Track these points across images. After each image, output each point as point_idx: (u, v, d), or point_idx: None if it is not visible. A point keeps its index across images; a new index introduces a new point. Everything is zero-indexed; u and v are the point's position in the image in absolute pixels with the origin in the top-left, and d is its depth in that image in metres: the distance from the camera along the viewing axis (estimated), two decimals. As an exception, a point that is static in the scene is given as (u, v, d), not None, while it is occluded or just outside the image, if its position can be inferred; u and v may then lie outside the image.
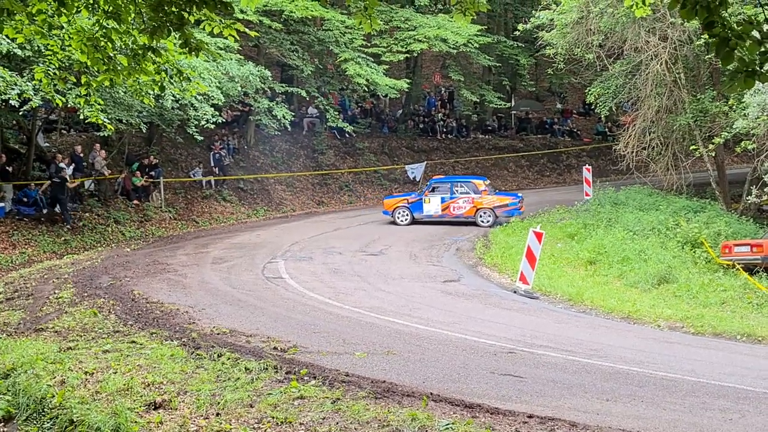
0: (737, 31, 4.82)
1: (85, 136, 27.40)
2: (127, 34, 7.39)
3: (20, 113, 21.68)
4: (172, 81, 8.26)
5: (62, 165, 23.54)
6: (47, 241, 21.58)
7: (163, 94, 20.02)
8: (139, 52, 7.43)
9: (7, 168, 23.24)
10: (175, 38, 7.19)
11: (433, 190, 26.50)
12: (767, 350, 13.49)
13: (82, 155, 25.09)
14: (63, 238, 21.96)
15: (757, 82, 16.44)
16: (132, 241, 23.09)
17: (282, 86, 29.13)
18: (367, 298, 16.26)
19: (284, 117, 27.31)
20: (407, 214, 26.45)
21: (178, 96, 21.43)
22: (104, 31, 7.36)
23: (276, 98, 28.92)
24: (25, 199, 22.49)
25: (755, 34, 4.84)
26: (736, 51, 4.85)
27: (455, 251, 22.36)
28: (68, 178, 22.86)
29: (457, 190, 26.28)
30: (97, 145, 25.59)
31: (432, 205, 26.26)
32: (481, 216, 25.93)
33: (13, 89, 15.62)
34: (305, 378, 9.98)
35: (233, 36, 7.73)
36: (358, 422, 8.45)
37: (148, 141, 28.40)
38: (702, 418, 8.81)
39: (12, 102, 16.76)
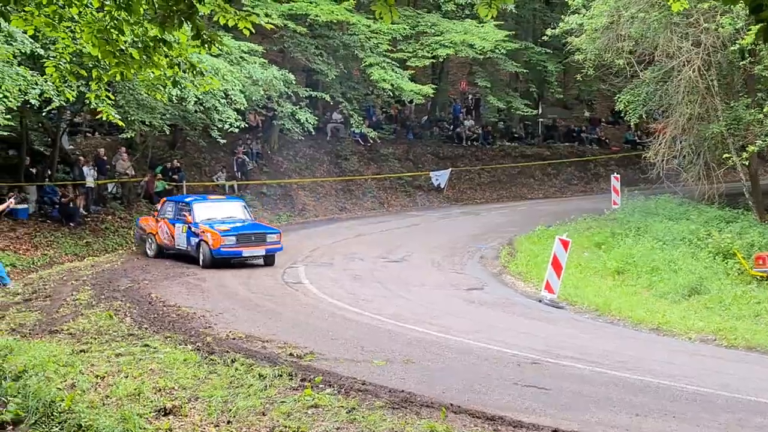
0: (787, 16, 4.45)
1: (109, 139, 27.34)
2: (138, 25, 7.12)
3: (44, 115, 21.61)
4: (185, 76, 7.96)
5: (86, 168, 23.52)
6: (69, 243, 21.46)
7: (184, 95, 19.87)
8: (151, 44, 7.16)
9: (31, 170, 23.19)
10: (187, 30, 6.91)
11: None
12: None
13: (105, 158, 25.00)
14: (85, 241, 21.84)
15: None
16: (153, 245, 22.89)
17: (306, 91, 28.90)
18: (387, 305, 15.93)
19: (308, 121, 27.06)
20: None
21: (200, 98, 21.31)
22: (115, 22, 7.09)
23: (300, 103, 28.69)
24: (48, 202, 22.46)
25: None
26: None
27: (479, 259, 21.98)
28: (77, 203, 22.92)
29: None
30: (121, 147, 25.48)
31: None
32: None
33: (33, 88, 15.48)
34: (320, 386, 9.65)
35: (248, 29, 7.42)
36: (374, 433, 8.10)
37: (172, 145, 28.29)
38: (737, 435, 8.39)
39: (33, 101, 16.62)
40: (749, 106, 24.16)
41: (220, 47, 7.62)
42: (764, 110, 22.55)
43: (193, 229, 20.04)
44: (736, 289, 17.48)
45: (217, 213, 20.76)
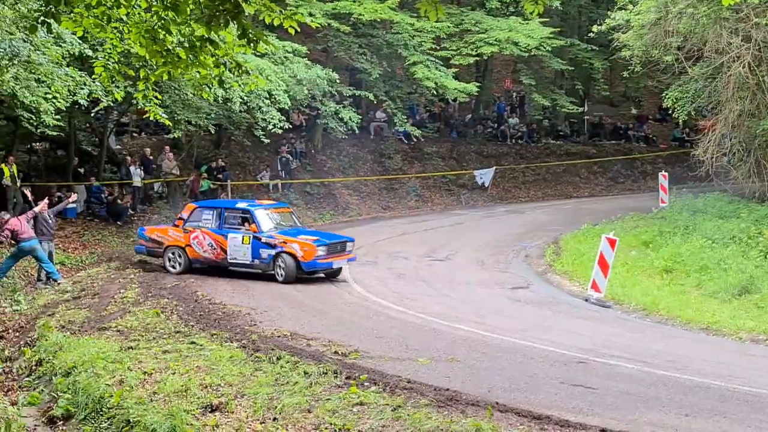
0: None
1: (155, 139, 27.66)
2: (185, 25, 7.17)
3: (92, 115, 21.94)
4: (231, 75, 8.01)
5: (132, 168, 23.83)
6: (116, 242, 21.74)
7: (229, 96, 20.02)
8: (197, 44, 7.21)
9: (79, 169, 23.55)
10: (233, 29, 6.95)
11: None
12: None
13: (151, 158, 25.29)
14: (132, 239, 22.06)
15: None
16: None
17: (349, 90, 28.95)
18: (431, 303, 15.89)
19: (351, 120, 27.11)
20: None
21: (245, 98, 21.46)
22: (162, 22, 7.15)
23: (343, 102, 28.76)
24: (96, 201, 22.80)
25: None
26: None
27: (524, 258, 21.82)
28: (124, 202, 23.18)
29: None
30: (167, 147, 25.76)
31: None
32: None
33: (82, 89, 15.71)
34: (365, 384, 9.65)
35: (294, 27, 7.43)
36: (419, 431, 8.07)
37: (217, 144, 28.53)
38: (790, 437, 8.21)
39: (81, 102, 16.87)
40: (802, 101, 23.66)
41: (265, 47, 7.66)
42: (817, 106, 22.10)
43: (264, 239, 17.59)
44: (789, 290, 17.11)
45: (279, 220, 18.62)
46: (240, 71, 7.86)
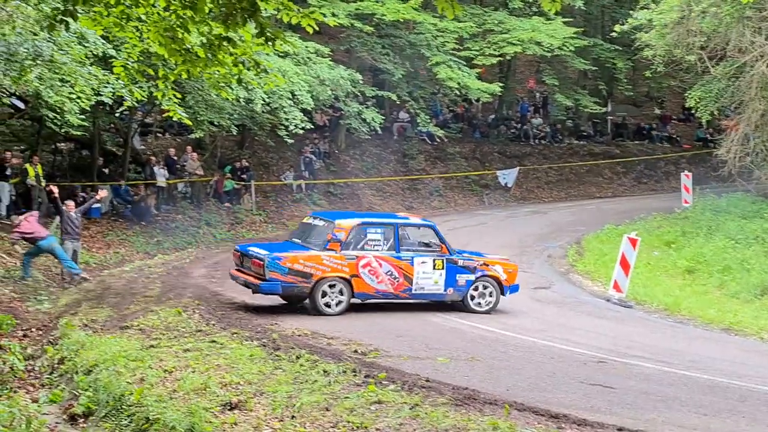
0: None
1: (179, 140, 27.82)
2: (203, 23, 7.24)
3: (116, 115, 22.10)
4: (250, 74, 8.07)
5: (156, 168, 24.01)
6: (140, 242, 21.89)
7: (252, 97, 20.12)
8: (215, 42, 7.28)
9: (103, 169, 23.74)
10: (251, 27, 7.01)
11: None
12: None
13: (176, 158, 25.46)
14: (155, 239, 22.25)
15: None
16: (222, 243, 23.24)
17: (373, 90, 28.99)
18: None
19: (374, 121, 27.14)
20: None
21: (267, 99, 21.55)
22: (181, 21, 7.23)
23: (366, 102, 28.80)
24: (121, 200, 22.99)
25: None
26: None
27: (546, 258, 21.81)
28: (148, 202, 23.32)
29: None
30: (189, 147, 25.92)
31: None
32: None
33: (106, 87, 15.84)
34: (384, 382, 9.68)
35: (312, 26, 7.48)
36: (436, 429, 8.11)
37: (240, 144, 28.66)
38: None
39: (106, 100, 17.01)
40: (825, 101, 23.45)
41: (287, 47, 7.71)
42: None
43: (461, 262, 14.82)
44: (812, 290, 16.99)
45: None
46: (258, 70, 7.92)
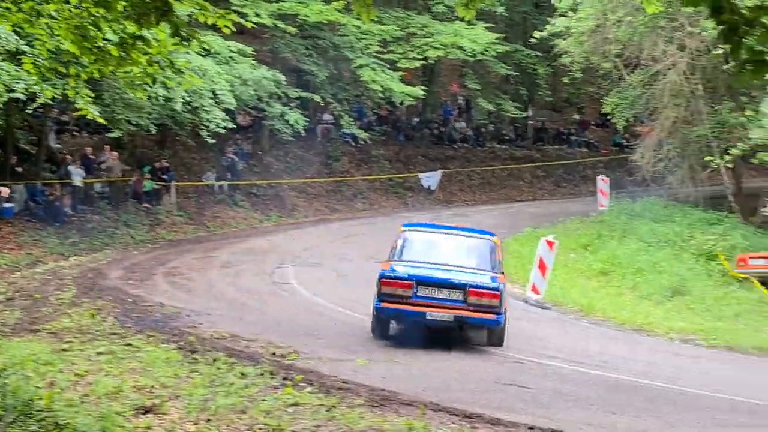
0: (747, 17, 4.50)
1: (97, 138, 27.24)
2: (116, 22, 7.13)
3: (30, 113, 21.55)
4: (166, 73, 7.99)
5: (72, 167, 23.46)
6: (54, 243, 21.38)
7: (171, 96, 19.85)
8: (129, 41, 7.18)
9: (16, 168, 23.11)
10: (166, 27, 6.94)
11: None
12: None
13: (92, 157, 24.94)
14: (70, 240, 21.76)
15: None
16: (141, 245, 22.89)
17: (296, 91, 28.90)
18: (374, 305, 15.92)
19: (297, 123, 27.07)
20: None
21: (188, 98, 21.31)
22: (93, 18, 7.11)
23: (290, 104, 28.70)
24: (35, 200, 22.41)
25: (765, 20, 4.52)
26: (744, 39, 4.53)
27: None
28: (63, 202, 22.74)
29: None
30: (107, 146, 25.43)
31: None
32: None
33: (18, 83, 15.42)
34: (301, 384, 9.68)
35: (228, 27, 7.45)
36: (352, 431, 8.13)
37: (160, 144, 28.23)
38: (713, 435, 8.45)
39: (20, 95, 16.55)
40: (733, 110, 24.35)
41: (205, 47, 7.66)
42: (747, 113, 22.72)
43: None
44: (718, 291, 17.67)
45: None
46: (174, 70, 7.84)
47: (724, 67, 23.83)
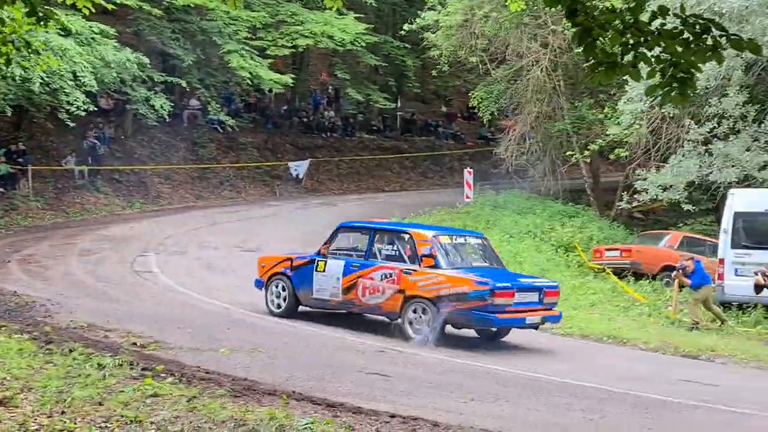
0: (600, 20, 4.73)
1: (-53, 119, 25.91)
2: (-33, 0, 6.80)
3: None
4: (20, 53, 7.67)
5: None
6: None
7: (29, 76, 19.07)
8: (-20, 20, 6.87)
9: None
10: (21, 6, 6.67)
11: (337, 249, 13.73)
12: (631, 352, 13.78)
13: (-58, 138, 23.70)
14: None
15: (629, 89, 16.69)
16: (-6, 231, 21.92)
17: (162, 75, 28.23)
18: (240, 294, 15.83)
19: (162, 107, 26.47)
20: (287, 292, 13.90)
21: (47, 79, 20.51)
22: (-59, -5, 6.75)
23: (155, 88, 28.02)
24: None
25: (617, 24, 4.76)
26: (598, 41, 4.76)
27: (334, 249, 22.10)
28: None
29: (380, 250, 13.33)
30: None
31: (328, 277, 13.41)
32: (411, 314, 12.60)
33: None
34: (162, 375, 9.50)
35: (88, 8, 7.22)
36: (212, 421, 8.04)
37: (17, 126, 27.05)
38: (564, 418, 8.80)
39: None
40: (592, 106, 25.37)
41: (65, 27, 7.40)
42: (605, 111, 23.72)
43: None
44: (575, 281, 18.38)
45: None
46: (30, 50, 7.54)
47: (584, 65, 24.83)
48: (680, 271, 16.62)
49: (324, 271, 13.36)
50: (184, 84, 28.63)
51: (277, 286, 13.96)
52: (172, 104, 28.36)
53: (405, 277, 12.61)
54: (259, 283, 14.34)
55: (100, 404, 8.51)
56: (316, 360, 10.99)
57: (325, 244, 13.72)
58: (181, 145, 31.48)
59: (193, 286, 16.39)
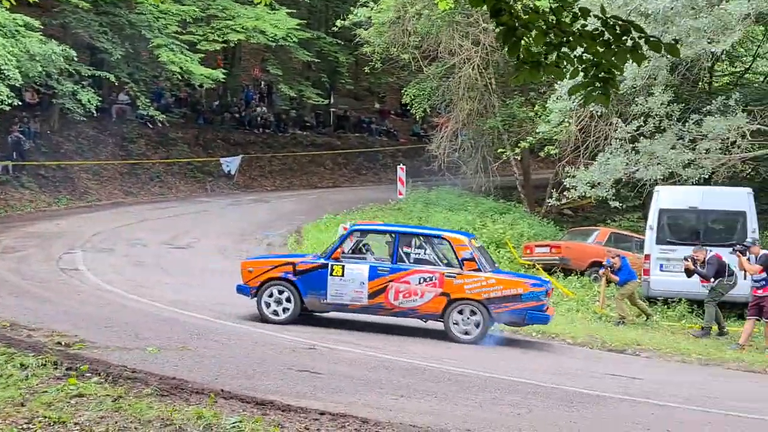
0: (524, 20, 4.79)
1: None
2: None
3: None
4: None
5: None
6: None
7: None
8: None
9: None
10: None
11: (355, 250, 13.74)
12: (559, 346, 14.01)
13: None
14: None
15: (558, 87, 16.94)
16: None
17: (89, 69, 27.69)
18: (169, 291, 15.67)
19: (90, 102, 25.96)
20: (290, 298, 13.49)
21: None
22: None
23: (83, 82, 27.46)
24: None
25: (541, 24, 4.83)
26: (522, 41, 4.82)
27: (266, 246, 22.04)
28: None
29: (408, 254, 13.64)
30: None
31: (348, 282, 13.32)
32: (455, 317, 13.16)
33: None
34: (87, 374, 9.31)
35: (10, 0, 7.03)
36: (139, 421, 7.92)
37: (-64, 120, 26.27)
38: (492, 413, 8.90)
39: None
40: (522, 104, 25.69)
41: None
42: (535, 109, 24.03)
43: None
44: (506, 277, 18.46)
45: None
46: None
47: (513, 61, 25.14)
48: (608, 268, 16.97)
49: (343, 275, 13.29)
50: (112, 78, 28.12)
51: (279, 293, 13.50)
52: (100, 99, 27.89)
53: (449, 281, 13.06)
54: (244, 290, 13.74)
55: (22, 405, 8.32)
56: (246, 358, 10.90)
57: (337, 247, 13.56)
58: (110, 140, 30.94)
59: (121, 283, 16.12)
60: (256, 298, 13.58)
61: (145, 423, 7.88)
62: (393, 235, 13.70)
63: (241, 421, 7.90)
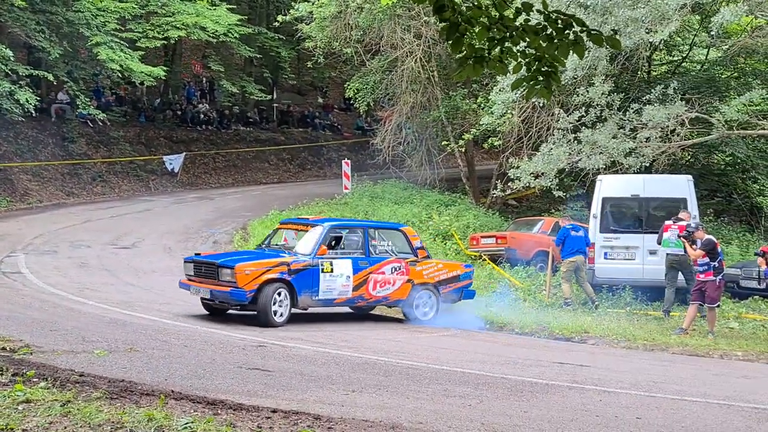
0: (467, 15, 4.84)
1: None
2: None
3: None
4: None
5: None
6: None
7: None
8: None
9: None
10: None
11: (335, 244, 14.12)
12: (507, 337, 14.19)
13: None
14: None
15: (501, 79, 17.06)
16: None
17: (27, 69, 27.15)
18: (114, 293, 15.50)
19: (28, 102, 25.46)
20: (285, 300, 13.51)
21: None
22: None
23: (20, 82, 26.92)
24: None
25: (484, 19, 4.88)
26: (465, 37, 4.87)
27: (212, 244, 21.90)
28: None
29: (375, 246, 14.63)
30: None
31: (337, 277, 13.90)
32: (416, 300, 14.69)
33: None
34: (34, 380, 9.16)
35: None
36: (89, 425, 7.82)
37: None
38: (443, 404, 8.97)
39: None
40: (465, 96, 25.84)
41: None
42: (478, 100, 24.21)
43: None
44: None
45: None
46: None
47: (456, 56, 25.29)
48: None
49: (332, 271, 13.81)
50: (50, 77, 27.63)
51: (277, 294, 13.39)
52: (39, 98, 27.41)
53: (412, 268, 14.66)
54: (238, 296, 13.22)
55: (-33, 414, 8.16)
56: (195, 358, 10.83)
57: (321, 245, 13.87)
58: (50, 140, 30.41)
59: (66, 286, 15.90)
60: (250, 303, 13.33)
61: (95, 427, 7.79)
62: (362, 230, 14.64)
63: (192, 422, 7.85)
